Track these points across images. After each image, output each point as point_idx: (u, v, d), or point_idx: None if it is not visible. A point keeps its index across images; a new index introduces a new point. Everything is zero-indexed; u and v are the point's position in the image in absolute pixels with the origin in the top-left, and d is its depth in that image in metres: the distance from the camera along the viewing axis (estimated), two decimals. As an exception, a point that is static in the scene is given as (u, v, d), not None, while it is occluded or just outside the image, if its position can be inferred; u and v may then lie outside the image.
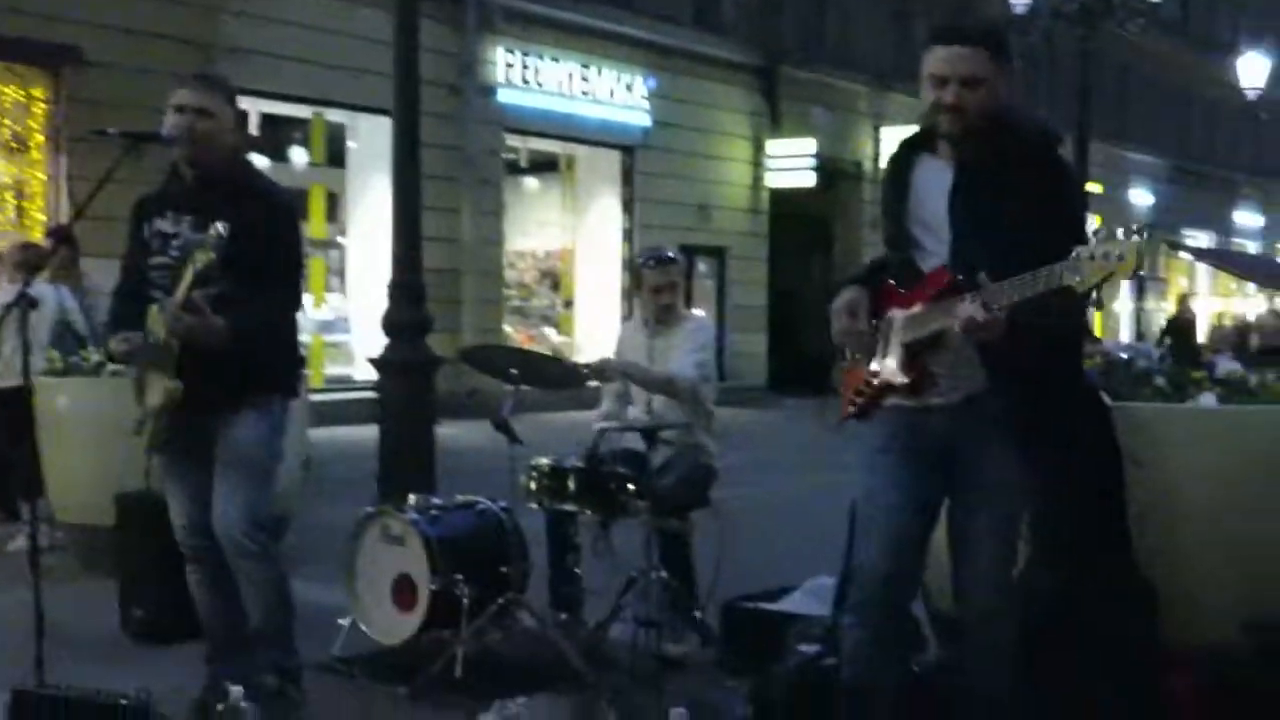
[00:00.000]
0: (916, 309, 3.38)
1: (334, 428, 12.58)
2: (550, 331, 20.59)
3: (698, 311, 5.79)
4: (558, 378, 5.20)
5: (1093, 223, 3.09)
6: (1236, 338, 28.08)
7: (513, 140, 19.23)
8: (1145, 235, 2.90)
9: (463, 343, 16.58)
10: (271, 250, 4.08)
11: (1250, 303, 36.42)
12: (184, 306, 3.92)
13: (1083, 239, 3.33)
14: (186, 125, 4.10)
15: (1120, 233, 2.90)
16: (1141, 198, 34.14)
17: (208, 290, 3.98)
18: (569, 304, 20.73)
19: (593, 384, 5.47)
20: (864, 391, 3.55)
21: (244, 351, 4.04)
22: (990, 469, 3.40)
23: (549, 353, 5.48)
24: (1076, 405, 3.79)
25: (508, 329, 19.41)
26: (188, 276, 3.89)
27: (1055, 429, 3.49)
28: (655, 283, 5.41)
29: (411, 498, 5.18)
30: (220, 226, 3.84)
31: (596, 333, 19.98)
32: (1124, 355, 4.78)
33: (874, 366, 3.50)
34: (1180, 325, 25.08)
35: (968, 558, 3.46)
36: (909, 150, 3.52)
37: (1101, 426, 4.26)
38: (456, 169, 17.56)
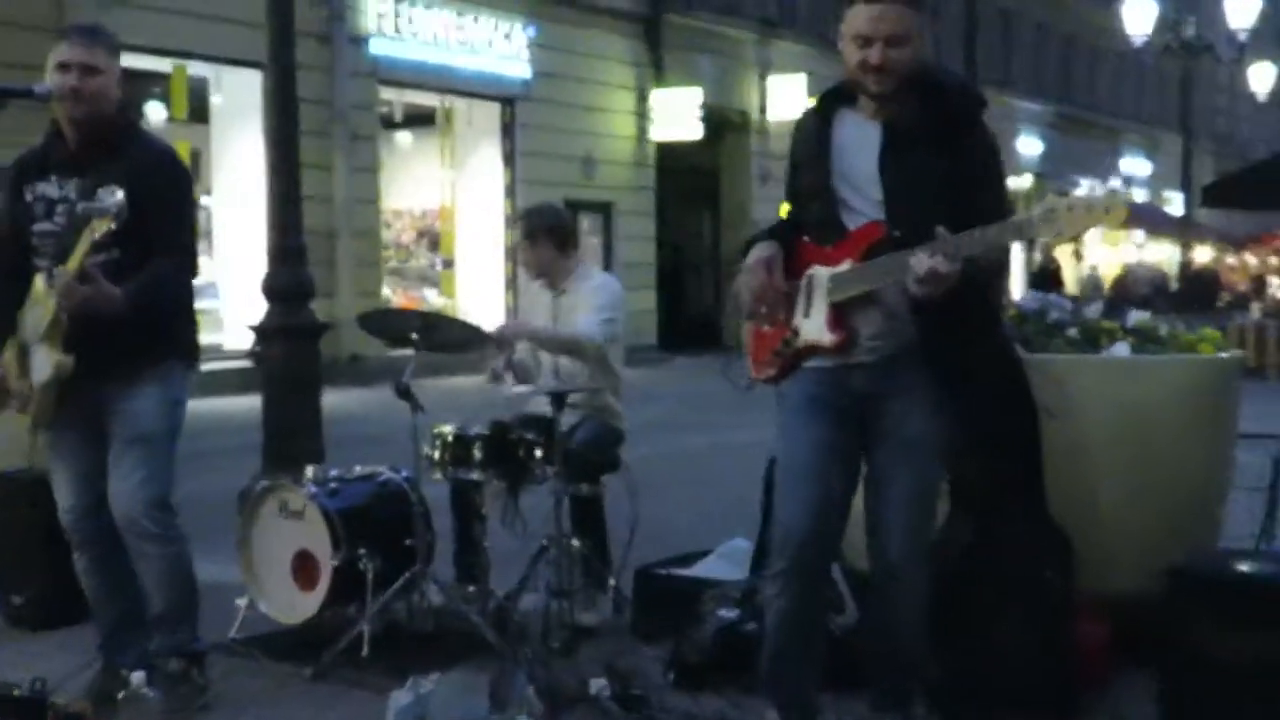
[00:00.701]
0: (845, 266, 3.43)
1: (206, 398, 12.39)
2: (431, 293, 20.45)
3: (597, 269, 5.79)
4: (461, 341, 5.19)
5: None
6: (1109, 288, 28.91)
7: (387, 93, 19.00)
8: (1126, 194, 3.02)
9: (340, 307, 16.41)
10: (165, 211, 3.99)
11: (1145, 253, 37.48)
12: (79, 277, 3.82)
13: (1006, 200, 3.48)
14: (72, 84, 3.98)
15: (1102, 191, 3.03)
16: (1029, 146, 34.87)
17: (97, 258, 3.88)
18: (449, 264, 20.61)
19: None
20: (783, 352, 3.60)
21: (140, 320, 3.93)
22: (912, 426, 3.48)
23: (450, 315, 5.43)
24: (992, 358, 3.89)
25: (387, 292, 19.25)
26: (83, 245, 3.77)
27: (973, 382, 3.58)
28: (514, 240, 5.52)
29: (309, 469, 5.13)
30: (119, 193, 3.73)
31: (479, 293, 19.89)
32: (1035, 307, 4.91)
33: (795, 325, 3.55)
34: (1047, 274, 25.75)
35: (886, 516, 3.55)
36: (830, 103, 3.57)
37: (1015, 378, 4.39)
38: (328, 124, 17.32)
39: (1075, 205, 3.02)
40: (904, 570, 3.55)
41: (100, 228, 3.72)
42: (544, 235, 5.41)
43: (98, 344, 3.97)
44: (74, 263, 3.81)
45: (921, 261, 3.17)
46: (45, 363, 4.02)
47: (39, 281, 4.02)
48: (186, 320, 4.27)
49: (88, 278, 3.82)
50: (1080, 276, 31.31)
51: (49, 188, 4.10)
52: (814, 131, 3.57)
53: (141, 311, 3.93)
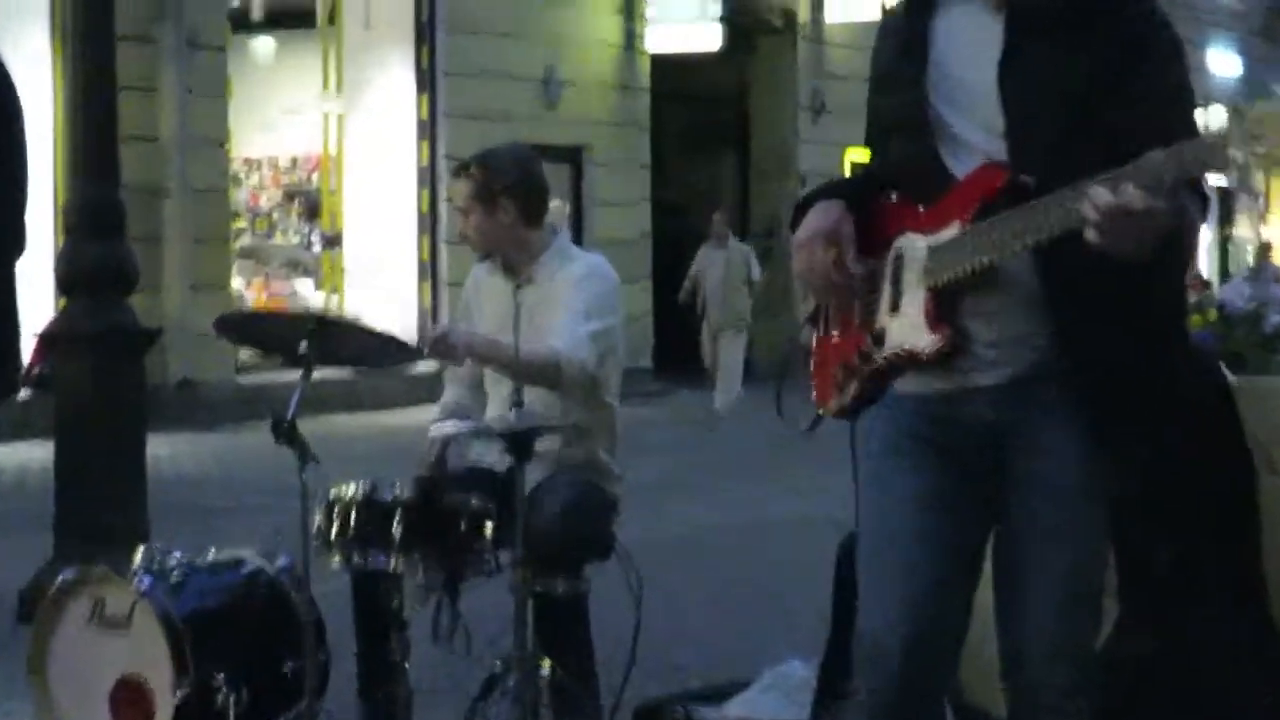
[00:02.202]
0: (950, 231, 3.47)
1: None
2: (305, 284, 20.46)
3: (578, 249, 5.85)
4: (375, 354, 5.23)
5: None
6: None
7: (241, -23, 19.08)
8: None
9: (167, 306, 16.41)
10: None
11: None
12: None
13: (1193, 121, 3.51)
14: None
15: None
16: (1223, 62, 35.02)
17: None
18: (335, 242, 20.57)
19: (427, 366, 5.52)
20: (860, 368, 3.64)
21: None
22: (1064, 475, 3.51)
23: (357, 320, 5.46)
24: (1179, 382, 3.93)
25: (237, 283, 19.24)
26: None
27: (1149, 418, 3.62)
28: (456, 201, 5.65)
29: (139, 551, 5.17)
30: None
31: (380, 286, 19.91)
32: (1247, 306, 4.96)
33: (878, 325, 3.60)
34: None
35: (1027, 612, 3.57)
36: None
37: (1219, 413, 4.44)
38: (152, 25, 17.35)
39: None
40: (1059, 694, 3.56)
41: None
42: (506, 196, 5.44)
43: None
44: None
45: (1104, 194, 3.16)
46: None
47: None
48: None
49: None
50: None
51: None
52: (904, 33, 3.62)
53: None
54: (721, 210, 20.48)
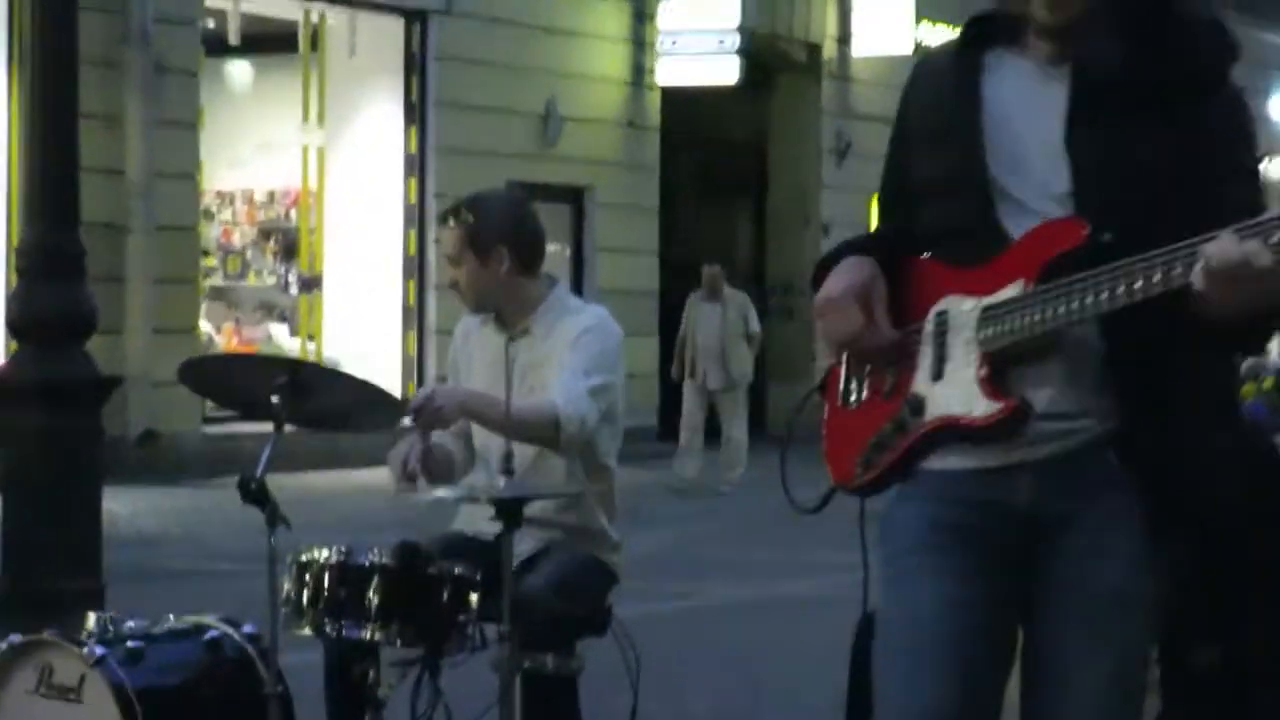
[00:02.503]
0: (1010, 290, 3.48)
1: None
2: (280, 331, 20.45)
3: (577, 300, 5.85)
4: (358, 411, 5.23)
5: None
6: None
7: (215, -1, 19.17)
8: None
9: (130, 352, 16.44)
10: None
11: None
12: None
13: (1264, 199, 3.56)
14: None
15: None
16: (1286, 109, 35.12)
17: None
18: (313, 285, 20.56)
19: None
20: (890, 440, 3.64)
21: None
22: (1109, 572, 3.51)
23: (335, 367, 5.46)
24: (1231, 461, 3.94)
25: (206, 327, 19.25)
26: None
27: (1196, 501, 3.63)
28: (445, 249, 5.69)
29: (90, 618, 5.16)
30: None
31: (362, 334, 19.89)
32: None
33: (916, 392, 3.61)
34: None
35: (1061, 716, 3.59)
36: (978, 40, 3.66)
37: (1272, 494, 4.44)
38: (116, 47, 17.41)
39: None
40: None
41: None
42: (499, 244, 5.46)
43: None
44: None
45: (1227, 243, 3.19)
46: None
47: None
48: None
49: None
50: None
51: None
52: (952, 84, 3.64)
53: None
54: (716, 265, 19.34)
